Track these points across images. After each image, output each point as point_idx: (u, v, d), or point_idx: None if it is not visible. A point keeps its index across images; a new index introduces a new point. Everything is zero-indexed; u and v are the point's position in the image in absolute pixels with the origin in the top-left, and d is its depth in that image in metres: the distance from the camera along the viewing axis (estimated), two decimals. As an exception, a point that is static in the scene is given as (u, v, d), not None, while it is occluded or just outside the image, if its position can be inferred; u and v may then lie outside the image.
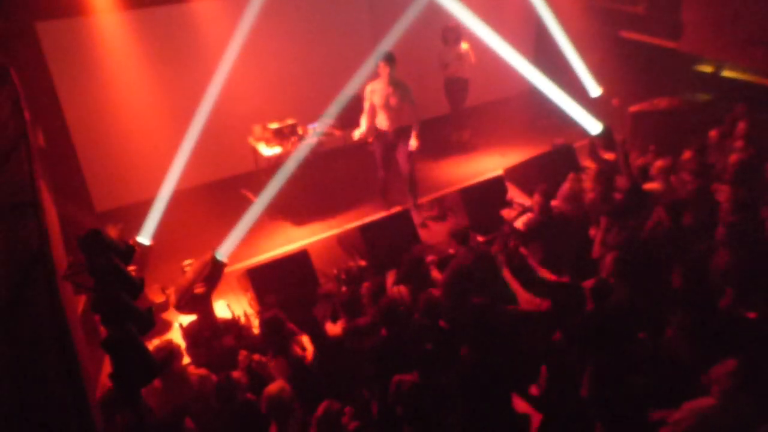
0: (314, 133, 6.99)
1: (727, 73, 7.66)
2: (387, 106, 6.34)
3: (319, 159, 7.13)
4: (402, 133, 6.49)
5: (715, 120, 6.77)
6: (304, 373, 4.09)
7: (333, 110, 6.94)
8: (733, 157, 5.86)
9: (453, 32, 7.71)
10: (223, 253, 5.30)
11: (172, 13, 6.24)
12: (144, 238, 5.51)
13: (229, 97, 6.75)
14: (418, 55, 7.72)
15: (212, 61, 6.38)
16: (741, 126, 6.23)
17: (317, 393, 3.73)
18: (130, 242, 5.23)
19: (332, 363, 4.27)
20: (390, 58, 6.17)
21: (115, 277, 3.83)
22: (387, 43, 6.62)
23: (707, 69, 7.86)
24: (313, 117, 7.12)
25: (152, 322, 3.84)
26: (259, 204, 5.97)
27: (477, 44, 7.68)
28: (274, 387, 3.56)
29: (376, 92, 6.34)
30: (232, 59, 6.52)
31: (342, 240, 6.27)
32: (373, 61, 6.37)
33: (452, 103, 8.19)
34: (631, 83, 7.92)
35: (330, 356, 4.30)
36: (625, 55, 8.16)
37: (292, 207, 6.73)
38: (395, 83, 6.26)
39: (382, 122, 6.47)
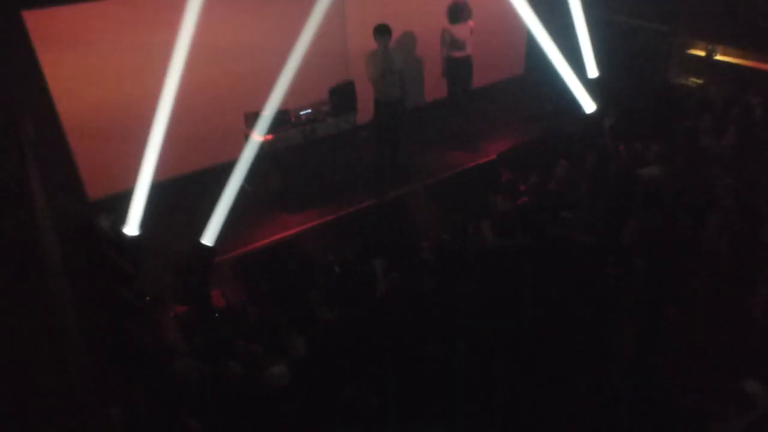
0: (305, 119, 6.96)
1: (719, 57, 7.65)
2: (386, 77, 6.50)
3: (312, 145, 7.09)
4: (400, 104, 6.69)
5: (709, 104, 6.79)
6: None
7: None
8: (727, 141, 5.88)
9: (463, 8, 7.34)
10: (207, 237, 5.31)
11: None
12: (131, 228, 5.47)
13: (222, 83, 6.69)
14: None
15: (205, 47, 6.31)
16: (734, 110, 6.24)
17: (315, 380, 3.75)
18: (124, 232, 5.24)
19: (326, 349, 4.28)
20: (380, 31, 6.32)
21: (108, 267, 3.84)
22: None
23: (700, 53, 7.84)
24: (306, 103, 7.07)
25: (146, 311, 3.86)
26: (241, 187, 5.91)
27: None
28: (276, 370, 3.59)
29: (374, 64, 6.48)
30: (226, 45, 6.47)
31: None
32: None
33: (457, 86, 7.75)
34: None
35: (324, 343, 4.31)
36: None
37: (286, 194, 6.70)
38: (390, 54, 6.45)
39: (382, 92, 6.61)
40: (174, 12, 5.54)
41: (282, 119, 6.92)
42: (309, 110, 7.09)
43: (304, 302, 4.80)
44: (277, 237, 6.12)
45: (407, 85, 6.94)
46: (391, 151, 7.07)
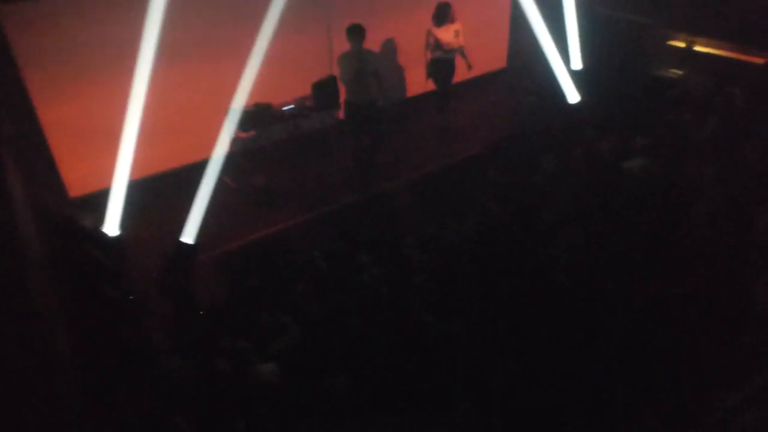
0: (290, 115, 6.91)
1: (699, 48, 7.73)
2: (360, 78, 6.43)
3: (296, 141, 7.04)
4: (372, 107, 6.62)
5: (690, 95, 6.86)
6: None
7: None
8: (709, 132, 5.94)
9: (447, 9, 7.29)
10: (188, 235, 5.25)
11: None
12: (112, 226, 5.38)
13: (205, 78, 6.62)
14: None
15: (187, 41, 6.24)
16: (715, 101, 6.31)
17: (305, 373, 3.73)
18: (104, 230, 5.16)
19: (314, 344, 4.26)
20: (351, 32, 6.26)
21: (91, 267, 3.77)
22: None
23: (681, 44, 7.91)
24: (289, 99, 7.03)
25: (130, 310, 3.81)
26: (224, 184, 5.85)
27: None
28: (265, 367, 3.57)
29: (346, 65, 6.42)
30: (208, 39, 6.40)
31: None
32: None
33: (440, 85, 7.76)
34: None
35: (311, 337, 4.29)
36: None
37: (270, 190, 6.65)
38: (364, 54, 6.38)
39: (354, 93, 6.56)
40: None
41: (265, 115, 6.88)
42: (292, 105, 7.05)
43: (291, 298, 4.77)
44: (262, 233, 6.07)
45: (386, 86, 6.84)
46: (369, 150, 6.98)
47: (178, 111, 6.54)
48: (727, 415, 3.30)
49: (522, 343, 3.86)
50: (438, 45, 7.37)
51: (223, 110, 6.43)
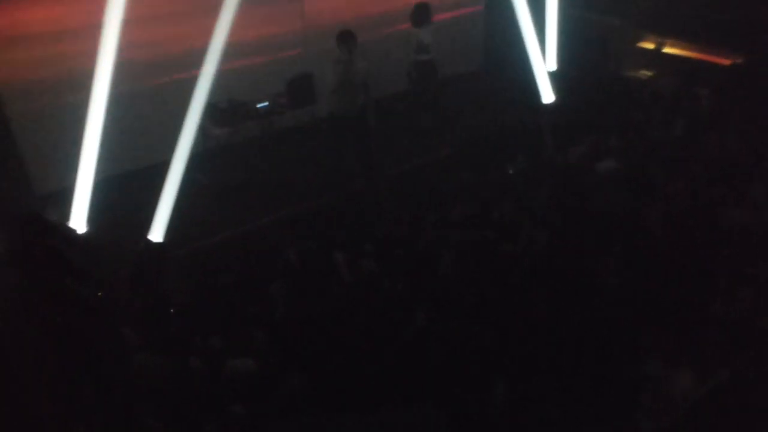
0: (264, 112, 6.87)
1: (668, 50, 7.90)
2: (345, 89, 6.11)
3: (270, 138, 7.01)
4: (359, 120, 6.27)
5: (659, 96, 6.99)
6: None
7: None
8: (677, 131, 6.07)
9: (425, 11, 7.14)
10: (156, 233, 5.18)
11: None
12: (78, 223, 5.28)
13: (177, 74, 6.54)
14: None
15: (161, 34, 6.17)
16: (683, 102, 6.44)
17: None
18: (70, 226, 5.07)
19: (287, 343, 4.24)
20: (342, 37, 5.96)
21: (58, 263, 3.70)
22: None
23: (650, 46, 8.07)
24: (263, 96, 6.99)
25: (99, 308, 3.75)
26: (196, 180, 5.76)
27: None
28: (238, 362, 3.54)
29: (334, 73, 6.06)
30: (180, 34, 6.31)
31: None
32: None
33: (424, 88, 7.58)
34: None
35: (284, 336, 4.27)
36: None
37: (244, 187, 6.60)
38: (354, 63, 6.05)
39: (337, 105, 6.22)
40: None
41: (239, 111, 6.84)
42: (266, 103, 7.01)
43: (264, 296, 4.74)
44: (235, 230, 6.02)
45: (371, 99, 6.43)
46: (368, 170, 6.66)
47: (150, 107, 6.44)
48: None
49: (492, 341, 3.89)
50: (420, 46, 7.20)
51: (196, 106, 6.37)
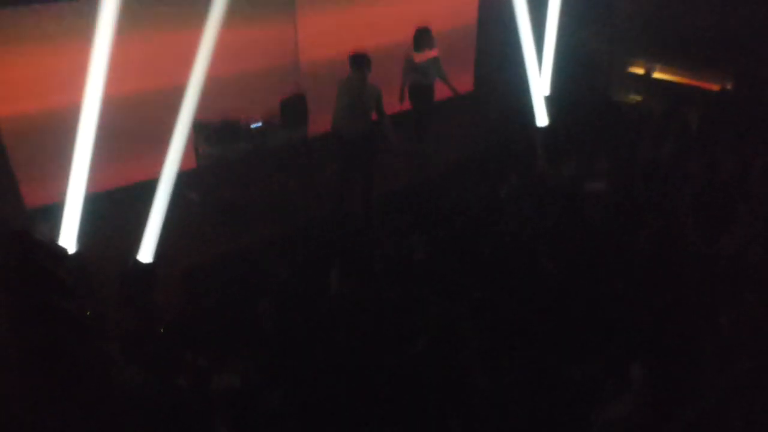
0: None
1: (657, 75, 8.02)
2: (353, 111, 6.01)
3: (263, 157, 7.02)
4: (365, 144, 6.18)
5: (648, 119, 7.09)
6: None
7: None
8: (665, 155, 6.14)
9: (427, 35, 7.11)
10: (145, 253, 5.15)
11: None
12: (68, 240, 5.25)
13: (171, 91, 6.57)
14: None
15: (154, 51, 6.21)
16: (672, 124, 6.53)
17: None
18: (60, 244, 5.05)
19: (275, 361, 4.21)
20: (355, 61, 5.87)
21: (46, 280, 3.68)
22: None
23: (639, 71, 8.20)
24: (257, 115, 7.03)
25: (88, 324, 3.72)
26: (188, 198, 5.75)
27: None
28: (223, 378, 3.51)
29: (342, 93, 5.97)
30: (173, 51, 6.34)
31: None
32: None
33: (417, 111, 7.55)
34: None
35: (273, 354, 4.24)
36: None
37: (236, 206, 6.60)
38: (365, 88, 5.96)
39: (343, 127, 6.11)
40: (125, 14, 5.41)
41: (232, 130, 6.87)
42: (260, 123, 7.05)
43: (253, 314, 4.71)
44: (225, 249, 6.00)
45: (385, 124, 6.28)
46: (364, 190, 6.57)
47: (142, 123, 6.45)
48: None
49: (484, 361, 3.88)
50: (416, 70, 7.20)
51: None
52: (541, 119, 7.73)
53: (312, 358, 3.87)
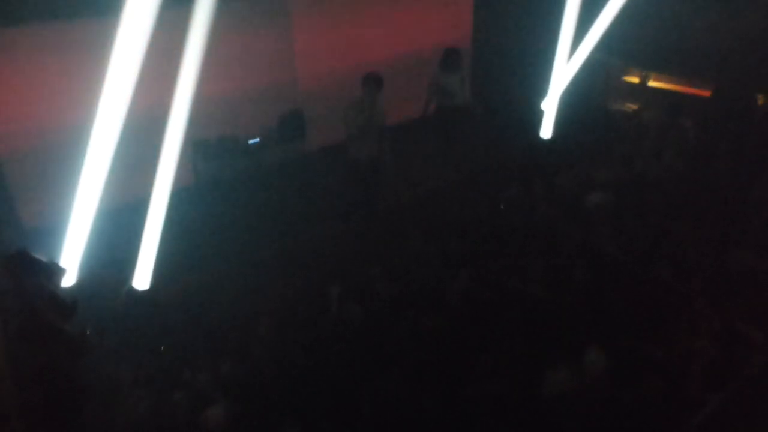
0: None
1: (652, 83, 8.05)
2: (365, 134, 5.93)
3: (261, 173, 7.02)
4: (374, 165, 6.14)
5: (645, 129, 7.10)
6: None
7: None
8: (663, 165, 6.14)
9: (455, 56, 6.90)
10: (140, 279, 5.12)
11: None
12: (69, 260, 5.23)
13: (168, 109, 6.59)
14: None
15: (151, 71, 6.21)
16: (670, 134, 6.53)
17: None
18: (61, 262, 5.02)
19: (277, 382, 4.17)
20: (368, 81, 5.77)
21: (44, 299, 3.65)
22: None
23: (635, 80, 8.23)
24: (254, 131, 7.05)
25: (86, 346, 3.68)
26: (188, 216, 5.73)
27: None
28: (211, 412, 3.48)
29: (354, 116, 5.84)
30: (173, 70, 6.36)
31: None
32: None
33: (448, 137, 7.38)
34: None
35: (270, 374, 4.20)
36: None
37: (236, 224, 6.58)
38: (377, 107, 5.88)
39: (360, 150, 6.04)
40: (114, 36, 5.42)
41: (230, 147, 6.88)
42: (258, 139, 7.07)
43: (252, 333, 4.69)
44: (224, 266, 5.98)
45: (387, 141, 6.22)
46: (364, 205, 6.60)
47: (138, 141, 6.45)
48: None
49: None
50: (443, 93, 6.99)
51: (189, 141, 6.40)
52: (543, 132, 7.74)
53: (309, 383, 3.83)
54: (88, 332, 4.00)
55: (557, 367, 3.47)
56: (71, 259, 5.20)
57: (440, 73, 6.99)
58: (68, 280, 4.69)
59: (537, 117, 7.90)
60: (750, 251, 4.64)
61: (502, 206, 6.26)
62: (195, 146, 6.70)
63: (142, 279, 5.31)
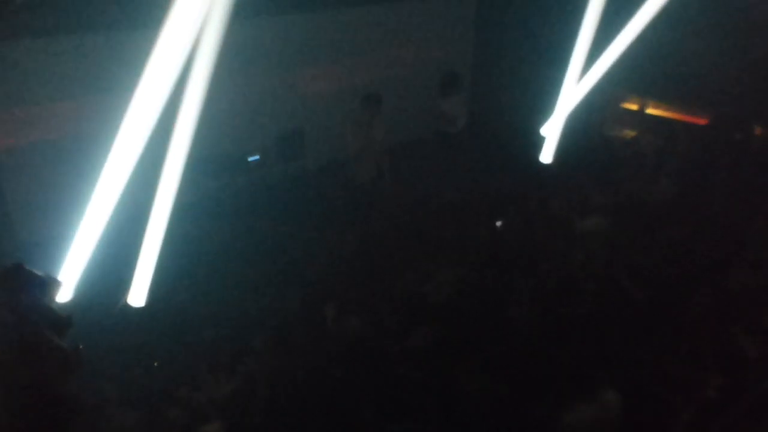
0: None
1: (650, 111, 8.12)
2: (365, 153, 5.92)
3: (260, 191, 7.03)
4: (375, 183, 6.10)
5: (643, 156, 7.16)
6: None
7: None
8: (661, 190, 6.18)
9: (455, 80, 6.76)
10: (135, 295, 5.09)
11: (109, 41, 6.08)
12: (68, 275, 5.19)
13: (168, 126, 6.61)
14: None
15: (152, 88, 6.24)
16: (667, 161, 6.59)
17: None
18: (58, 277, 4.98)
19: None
20: (368, 100, 5.77)
21: (40, 313, 3.63)
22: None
23: (633, 107, 8.30)
24: (254, 149, 7.07)
25: (79, 361, 3.65)
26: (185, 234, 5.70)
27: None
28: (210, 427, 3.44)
29: (356, 136, 5.83)
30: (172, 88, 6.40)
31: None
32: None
33: (448, 160, 7.25)
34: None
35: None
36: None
37: (235, 240, 6.56)
38: (377, 125, 5.87)
39: (362, 173, 6.03)
40: (123, 52, 5.46)
41: (229, 164, 6.90)
42: (257, 156, 7.09)
43: (248, 350, 4.66)
44: (220, 283, 5.95)
45: (386, 160, 6.21)
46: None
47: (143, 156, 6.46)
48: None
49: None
50: (446, 118, 6.83)
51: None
52: (542, 157, 7.76)
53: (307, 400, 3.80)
54: (80, 347, 3.98)
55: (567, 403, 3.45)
56: (67, 273, 5.17)
57: (440, 97, 6.93)
58: (64, 294, 4.65)
59: (536, 141, 7.94)
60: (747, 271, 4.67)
61: (498, 224, 6.25)
62: (195, 162, 6.71)
63: (138, 296, 5.27)
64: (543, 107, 7.98)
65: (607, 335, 4.11)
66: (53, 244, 5.30)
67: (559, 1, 7.45)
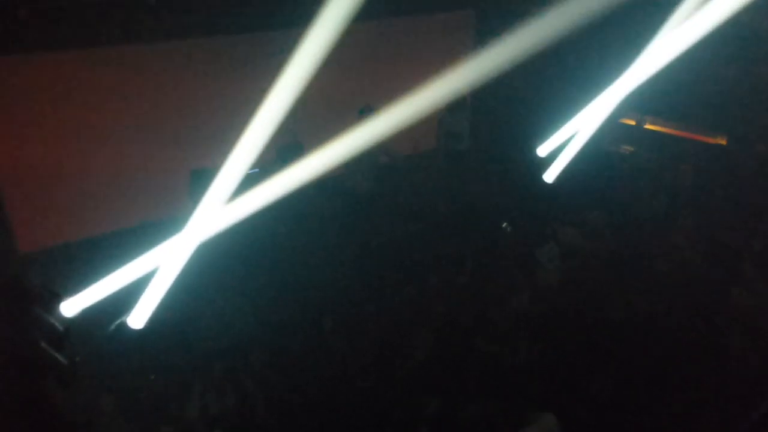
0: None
1: (649, 126, 8.14)
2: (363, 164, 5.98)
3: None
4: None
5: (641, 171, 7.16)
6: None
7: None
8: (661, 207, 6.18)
9: (460, 98, 6.65)
10: (137, 317, 5.08)
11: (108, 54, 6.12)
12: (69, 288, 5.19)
13: (167, 136, 6.64)
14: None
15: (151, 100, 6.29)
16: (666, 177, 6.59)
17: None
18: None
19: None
20: (364, 114, 5.81)
21: (39, 327, 3.65)
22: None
23: (631, 122, 8.33)
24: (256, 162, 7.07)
25: (75, 375, 3.66)
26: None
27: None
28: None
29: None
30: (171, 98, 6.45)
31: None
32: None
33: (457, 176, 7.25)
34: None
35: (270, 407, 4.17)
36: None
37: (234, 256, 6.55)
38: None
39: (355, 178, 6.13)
40: (123, 66, 5.49)
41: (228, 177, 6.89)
42: (257, 170, 7.09)
43: (244, 366, 4.66)
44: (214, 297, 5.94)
45: (384, 174, 6.38)
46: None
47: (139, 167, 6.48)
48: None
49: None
50: (453, 135, 6.87)
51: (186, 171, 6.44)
52: (540, 176, 7.76)
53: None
54: (77, 359, 3.99)
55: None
56: (67, 287, 5.18)
57: (446, 115, 6.95)
58: (63, 309, 4.66)
59: (534, 160, 7.95)
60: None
61: (505, 227, 6.18)
62: (193, 175, 6.73)
63: (136, 314, 5.26)
64: (544, 127, 8.03)
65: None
66: (54, 258, 5.32)
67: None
